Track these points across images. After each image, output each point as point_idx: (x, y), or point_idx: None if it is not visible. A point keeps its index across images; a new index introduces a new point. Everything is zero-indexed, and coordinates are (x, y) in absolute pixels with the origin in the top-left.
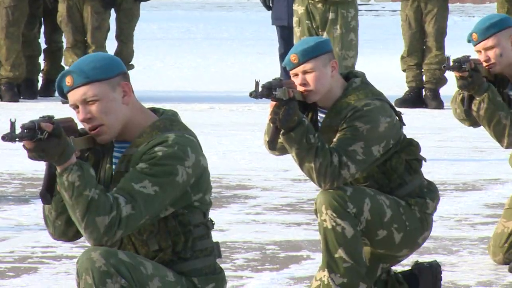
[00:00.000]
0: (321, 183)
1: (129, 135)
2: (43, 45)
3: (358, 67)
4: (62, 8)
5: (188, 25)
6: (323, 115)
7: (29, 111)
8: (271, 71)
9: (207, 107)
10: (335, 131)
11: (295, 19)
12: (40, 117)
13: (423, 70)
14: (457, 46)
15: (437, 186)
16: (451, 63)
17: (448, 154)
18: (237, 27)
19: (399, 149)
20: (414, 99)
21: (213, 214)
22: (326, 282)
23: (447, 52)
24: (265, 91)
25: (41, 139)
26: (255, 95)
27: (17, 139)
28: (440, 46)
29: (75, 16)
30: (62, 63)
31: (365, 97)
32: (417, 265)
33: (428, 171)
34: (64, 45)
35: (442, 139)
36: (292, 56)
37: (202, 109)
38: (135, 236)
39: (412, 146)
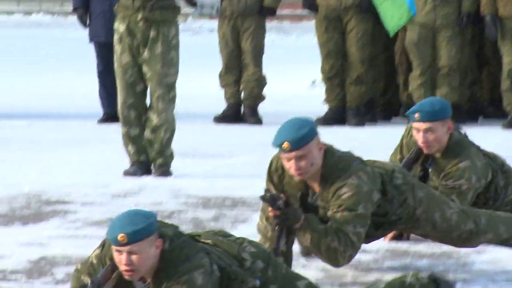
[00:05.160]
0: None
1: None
2: None
3: (178, 85)
4: None
5: (5, 43)
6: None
7: None
8: (90, 89)
9: (25, 124)
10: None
11: (116, 36)
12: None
13: (241, 87)
14: (275, 64)
15: (250, 202)
16: (267, 197)
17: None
18: (54, 45)
19: None
20: (233, 115)
21: (33, 229)
22: None
23: (265, 70)
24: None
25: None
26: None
27: None
28: (258, 64)
29: None
30: None
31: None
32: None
33: (250, 187)
34: None
35: (261, 155)
36: None
37: (19, 125)
38: None
39: None
